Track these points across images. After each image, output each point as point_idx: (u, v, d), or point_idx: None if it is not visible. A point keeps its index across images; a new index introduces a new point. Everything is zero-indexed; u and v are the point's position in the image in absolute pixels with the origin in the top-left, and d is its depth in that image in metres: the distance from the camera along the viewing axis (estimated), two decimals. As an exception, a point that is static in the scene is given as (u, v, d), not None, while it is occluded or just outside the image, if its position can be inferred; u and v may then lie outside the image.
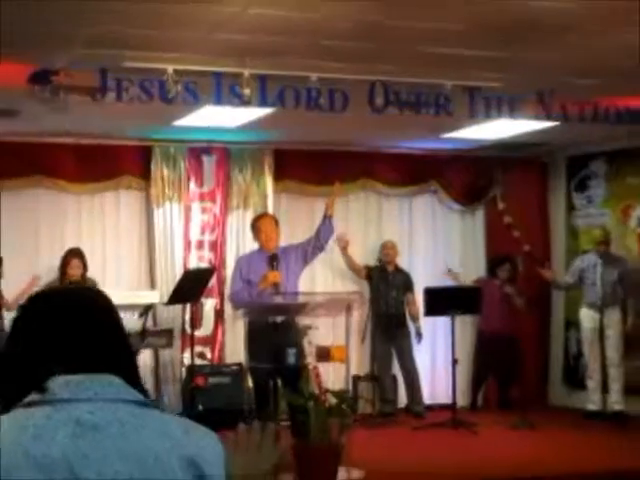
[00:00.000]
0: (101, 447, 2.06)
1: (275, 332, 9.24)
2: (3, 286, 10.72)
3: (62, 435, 2.05)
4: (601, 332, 12.04)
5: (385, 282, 12.43)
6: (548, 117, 9.75)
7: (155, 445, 2.11)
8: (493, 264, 13.19)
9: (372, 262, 12.49)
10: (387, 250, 12.62)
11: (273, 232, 9.83)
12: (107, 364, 2.20)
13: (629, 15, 6.88)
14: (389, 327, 12.37)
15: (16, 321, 2.30)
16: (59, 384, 2.13)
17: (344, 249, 12.27)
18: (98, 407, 2.11)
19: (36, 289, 10.41)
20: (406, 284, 12.55)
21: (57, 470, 2.02)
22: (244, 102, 8.32)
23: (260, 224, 9.98)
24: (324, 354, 9.89)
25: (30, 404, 2.11)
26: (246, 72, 8.16)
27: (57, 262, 11.07)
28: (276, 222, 10.04)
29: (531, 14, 6.81)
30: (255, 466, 2.56)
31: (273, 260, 9.62)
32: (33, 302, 2.33)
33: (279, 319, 9.31)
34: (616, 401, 11.99)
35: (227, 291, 12.02)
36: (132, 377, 2.24)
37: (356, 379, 11.73)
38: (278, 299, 9.50)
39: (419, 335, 12.56)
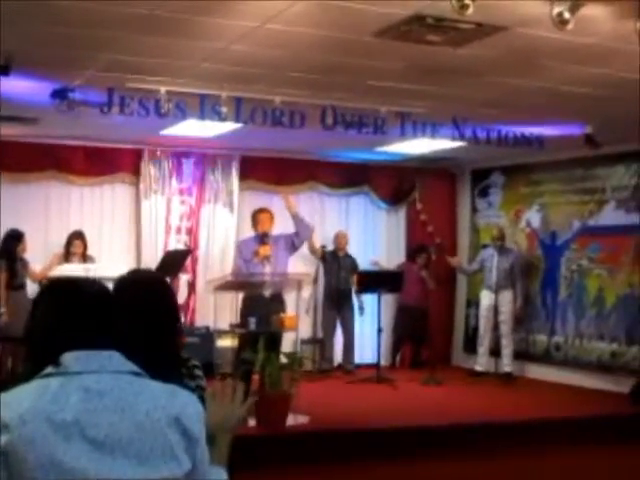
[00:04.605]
0: (105, 409, 2.08)
1: (262, 303, 9.34)
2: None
3: (74, 400, 2.07)
4: (495, 309, 12.25)
5: (336, 264, 12.53)
6: (462, 138, 9.85)
7: (147, 407, 2.13)
8: (413, 252, 13.30)
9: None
10: (339, 239, 12.73)
11: (267, 222, 9.92)
12: (109, 342, 2.22)
13: (527, 63, 7.05)
14: (337, 300, 12.47)
15: (35, 303, 2.31)
16: (70, 359, 2.15)
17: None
18: (102, 377, 2.13)
19: (57, 265, 10.48)
20: (353, 266, 12.61)
21: (70, 429, 2.04)
22: (222, 118, 8.34)
23: (258, 216, 10.08)
24: (280, 323, 9.92)
25: (47, 375, 2.13)
26: (224, 94, 8.19)
27: (63, 241, 11.02)
28: (272, 216, 10.10)
29: (452, 59, 6.86)
30: (229, 415, 2.62)
31: (264, 237, 9.75)
32: (50, 289, 2.35)
33: (267, 293, 9.42)
34: (506, 364, 12.19)
35: (200, 269, 12.15)
36: (131, 351, 2.25)
37: (301, 342, 11.81)
38: (264, 278, 9.60)
39: (361, 309, 12.70)
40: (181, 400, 2.21)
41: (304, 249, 12.26)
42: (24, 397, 2.07)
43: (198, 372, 3.26)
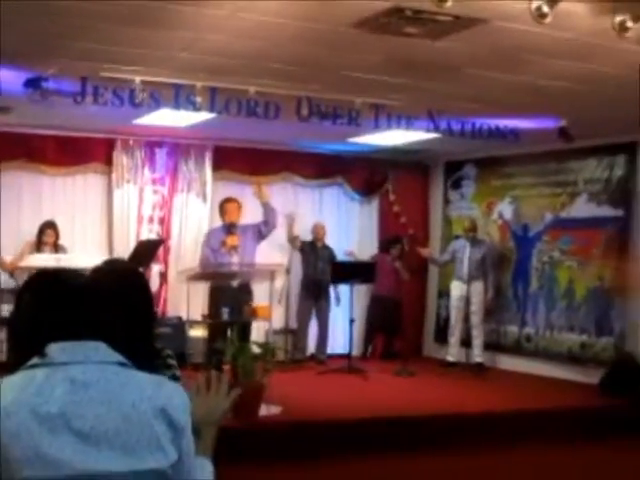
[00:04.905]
0: (90, 400, 2.07)
1: (231, 294, 9.32)
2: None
3: (59, 392, 2.05)
4: (467, 300, 12.28)
5: (314, 255, 12.51)
6: (436, 131, 9.86)
7: (133, 398, 2.11)
8: (387, 243, 13.27)
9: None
10: (318, 230, 12.69)
11: (234, 212, 9.90)
12: (94, 333, 2.19)
13: (505, 57, 7.05)
14: (314, 290, 12.44)
15: (20, 294, 2.28)
16: (56, 350, 2.12)
17: (290, 226, 12.32)
18: (88, 368, 2.11)
19: (28, 254, 10.37)
20: (330, 257, 12.57)
21: (56, 421, 2.02)
22: (197, 108, 8.29)
23: (226, 206, 10.05)
24: (253, 313, 9.91)
25: (32, 366, 2.11)
26: (199, 84, 8.14)
27: (35, 230, 10.91)
28: (239, 206, 10.07)
29: (431, 52, 6.85)
30: (214, 407, 2.61)
31: (231, 228, 9.72)
32: (34, 281, 2.31)
33: (235, 283, 9.40)
34: (477, 355, 12.24)
35: (172, 259, 12.09)
36: (117, 342, 2.23)
37: (273, 332, 11.76)
38: (233, 268, 9.57)
39: (338, 299, 12.68)
40: (167, 391, 2.20)
41: (282, 239, 12.27)
42: (8, 389, 2.05)
43: (172, 362, 3.28)
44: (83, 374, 2.09)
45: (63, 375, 2.08)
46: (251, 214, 10.86)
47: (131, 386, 2.14)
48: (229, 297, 9.33)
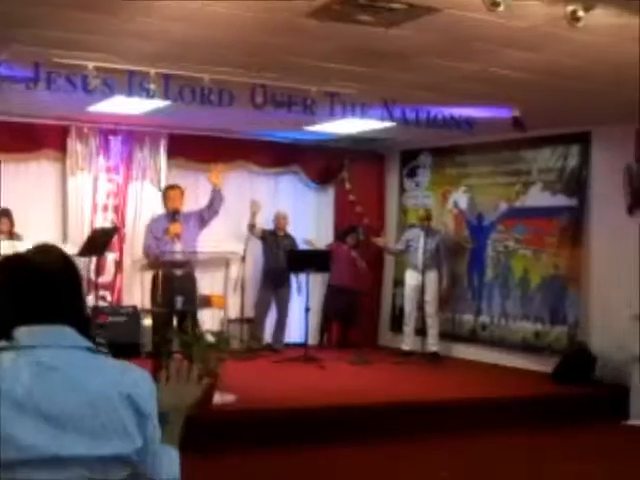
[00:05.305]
0: (57, 384, 2.08)
1: (174, 282, 9.25)
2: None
3: (26, 375, 2.06)
4: (422, 289, 12.30)
5: (276, 243, 12.47)
6: (391, 119, 9.85)
7: (100, 383, 2.13)
8: (343, 232, 13.30)
9: (243, 225, 12.48)
10: (279, 219, 12.66)
11: (177, 199, 9.83)
12: (62, 317, 2.20)
13: (459, 46, 7.06)
14: (274, 279, 12.42)
15: None
16: (23, 333, 2.14)
17: (254, 213, 12.26)
18: (55, 352, 2.12)
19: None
20: (292, 246, 12.55)
21: (22, 404, 2.03)
22: (150, 96, 8.23)
23: (169, 193, 9.99)
24: (206, 301, 9.86)
25: (0, 349, 2.12)
26: (153, 71, 8.07)
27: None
28: (182, 192, 10.01)
29: (384, 41, 6.84)
30: (184, 395, 2.60)
31: (174, 215, 9.66)
32: (3, 265, 2.30)
33: (178, 272, 9.32)
34: (432, 344, 12.27)
35: (127, 247, 11.99)
36: (83, 328, 2.24)
37: (228, 321, 11.69)
38: (176, 256, 9.50)
39: (299, 289, 12.63)
40: (133, 377, 2.22)
41: (236, 227, 12.24)
42: None
43: (104, 350, 3.23)
44: (50, 358, 2.11)
45: (30, 359, 2.09)
46: (204, 202, 10.78)
47: (97, 371, 2.16)
48: (177, 286, 9.25)
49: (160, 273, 9.44)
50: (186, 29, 6.74)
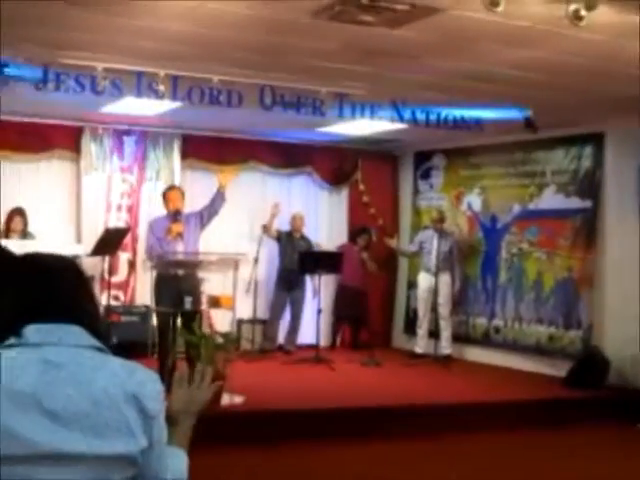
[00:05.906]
0: (62, 382, 2.08)
1: (177, 282, 9.25)
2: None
3: (32, 371, 2.07)
4: (435, 292, 12.25)
5: (291, 245, 12.44)
6: (401, 120, 9.83)
7: (105, 382, 2.12)
8: (354, 233, 13.28)
9: (256, 226, 12.48)
10: (296, 220, 12.63)
11: (178, 200, 9.83)
12: (71, 316, 2.21)
13: (461, 46, 7.04)
14: (289, 280, 12.39)
15: None
16: (32, 331, 2.15)
17: (273, 215, 12.26)
18: (62, 350, 2.13)
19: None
20: (308, 248, 12.53)
21: (27, 400, 2.03)
22: (159, 97, 8.27)
23: (169, 194, 9.99)
24: (215, 302, 9.87)
25: (7, 346, 2.13)
26: (162, 72, 8.10)
27: (2, 218, 10.87)
28: (182, 193, 10.02)
29: (389, 41, 6.85)
30: (194, 399, 2.59)
31: (176, 215, 9.66)
32: (8, 264, 2.33)
33: (181, 272, 9.32)
34: (445, 346, 12.21)
35: (140, 247, 12.01)
36: (92, 327, 2.24)
37: (240, 322, 11.73)
38: (181, 256, 9.50)
39: (315, 291, 12.55)
40: (140, 378, 2.20)
41: (247, 229, 12.24)
42: None
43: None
44: (56, 356, 2.11)
45: (37, 356, 2.10)
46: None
47: (103, 370, 2.15)
48: (181, 286, 9.25)
49: (163, 273, 9.44)
50: (194, 30, 6.77)
